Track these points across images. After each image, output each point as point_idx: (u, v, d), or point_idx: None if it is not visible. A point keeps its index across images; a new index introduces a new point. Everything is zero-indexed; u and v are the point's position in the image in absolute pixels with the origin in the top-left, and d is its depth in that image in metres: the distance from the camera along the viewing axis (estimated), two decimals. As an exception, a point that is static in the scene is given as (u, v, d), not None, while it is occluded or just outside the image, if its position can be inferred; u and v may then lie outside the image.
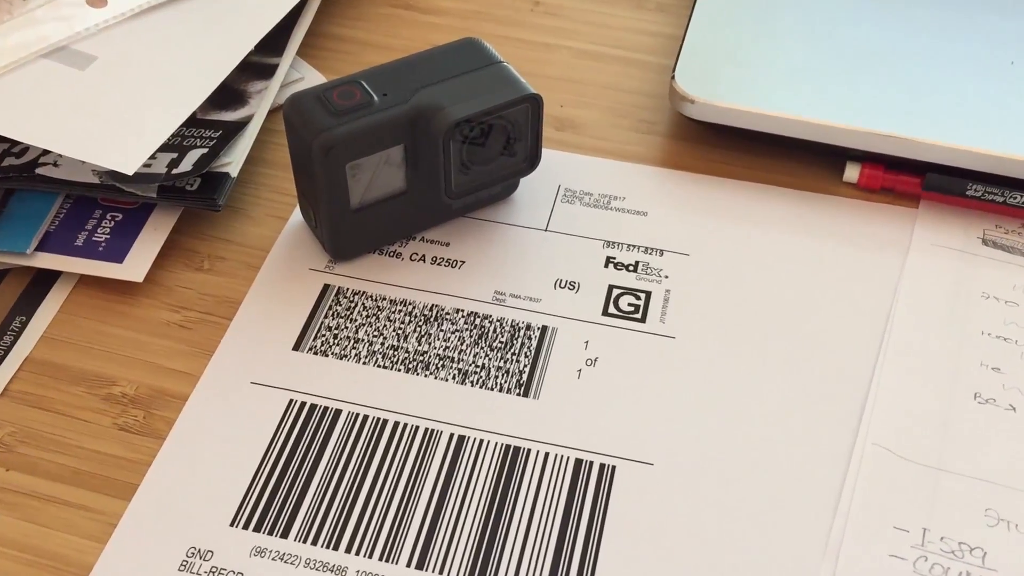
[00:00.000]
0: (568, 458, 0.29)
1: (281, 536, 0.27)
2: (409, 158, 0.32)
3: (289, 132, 0.31)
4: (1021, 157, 0.34)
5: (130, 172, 0.30)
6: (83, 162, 0.33)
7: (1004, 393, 0.30)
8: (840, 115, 0.35)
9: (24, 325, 0.31)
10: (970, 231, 0.34)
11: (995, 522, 0.27)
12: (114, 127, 0.32)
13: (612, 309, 0.32)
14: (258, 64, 0.38)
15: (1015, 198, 0.34)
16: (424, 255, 0.34)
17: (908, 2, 0.39)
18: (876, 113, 0.35)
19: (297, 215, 0.35)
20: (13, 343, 0.31)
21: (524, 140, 0.33)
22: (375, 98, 0.31)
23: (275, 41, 0.38)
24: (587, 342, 0.31)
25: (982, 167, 0.34)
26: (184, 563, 0.26)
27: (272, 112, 0.38)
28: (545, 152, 0.37)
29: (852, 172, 0.36)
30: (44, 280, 0.33)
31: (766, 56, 0.37)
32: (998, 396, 0.30)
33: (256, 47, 0.38)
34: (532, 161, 0.33)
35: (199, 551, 0.26)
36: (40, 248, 0.33)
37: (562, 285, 0.33)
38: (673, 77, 0.36)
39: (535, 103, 0.32)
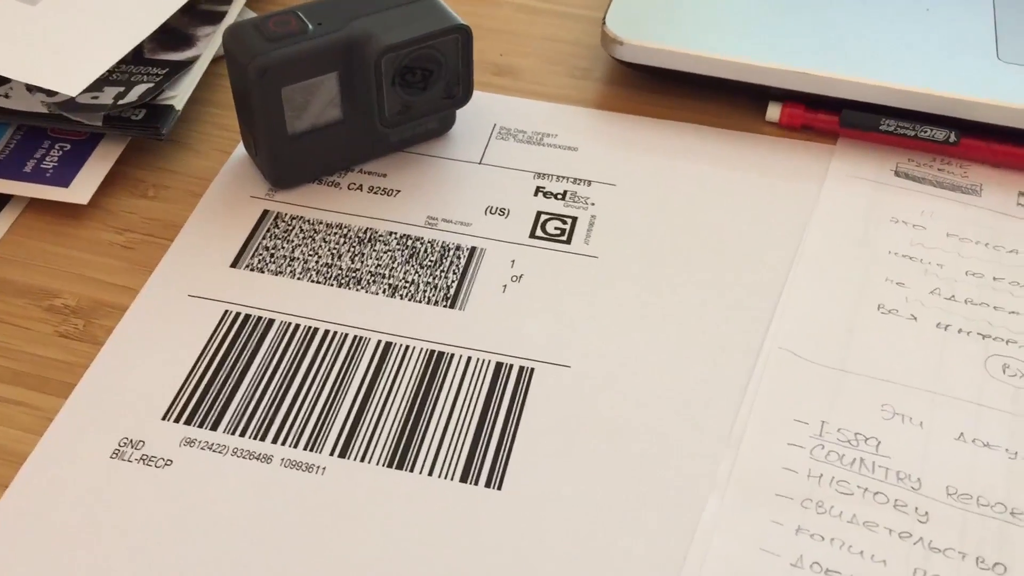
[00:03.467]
0: (489, 362, 0.30)
1: (211, 429, 0.28)
2: (344, 87, 0.33)
3: (228, 60, 0.32)
4: (931, 92, 0.35)
5: (74, 93, 0.32)
6: (33, 92, 0.35)
7: (907, 305, 0.31)
8: (762, 55, 0.37)
9: (-28, 245, 0.33)
10: (884, 164, 0.36)
11: (890, 415, 0.29)
12: (61, 55, 0.33)
13: (539, 232, 0.34)
14: (208, 11, 0.39)
15: (925, 132, 0.36)
16: (361, 184, 0.35)
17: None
18: (796, 53, 0.37)
19: (241, 150, 0.36)
20: (-39, 260, 0.32)
21: (455, 72, 0.34)
22: (310, 26, 0.32)
23: (225, -9, 0.40)
24: (513, 261, 0.33)
25: (895, 102, 0.36)
26: (116, 451, 0.27)
27: (219, 59, 0.39)
28: (482, 95, 0.39)
29: (774, 111, 0.38)
30: (-7, 205, 0.34)
31: (693, 2, 0.39)
32: (900, 307, 0.31)
33: (205, -6, 0.39)
34: (464, 94, 0.35)
35: (131, 441, 0.28)
36: (-10, 174, 0.34)
37: (492, 211, 0.34)
38: (604, 22, 0.38)
39: (464, 34, 0.33)
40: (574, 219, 0.34)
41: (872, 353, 0.30)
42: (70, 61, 0.33)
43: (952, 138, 0.36)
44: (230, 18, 0.39)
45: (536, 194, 0.35)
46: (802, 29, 0.38)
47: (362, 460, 0.28)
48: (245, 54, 0.31)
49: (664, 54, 0.37)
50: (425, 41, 0.33)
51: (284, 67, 0.32)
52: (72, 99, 0.34)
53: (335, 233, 0.33)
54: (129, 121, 0.34)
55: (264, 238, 0.33)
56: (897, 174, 0.36)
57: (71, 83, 0.32)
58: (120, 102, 0.34)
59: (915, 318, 0.31)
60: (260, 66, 0.31)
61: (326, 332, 0.31)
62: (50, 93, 0.35)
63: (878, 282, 0.32)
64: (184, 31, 0.38)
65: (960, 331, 0.31)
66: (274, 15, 0.32)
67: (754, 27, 0.38)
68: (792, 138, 0.37)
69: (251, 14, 0.41)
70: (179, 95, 0.35)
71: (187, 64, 0.37)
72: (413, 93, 0.34)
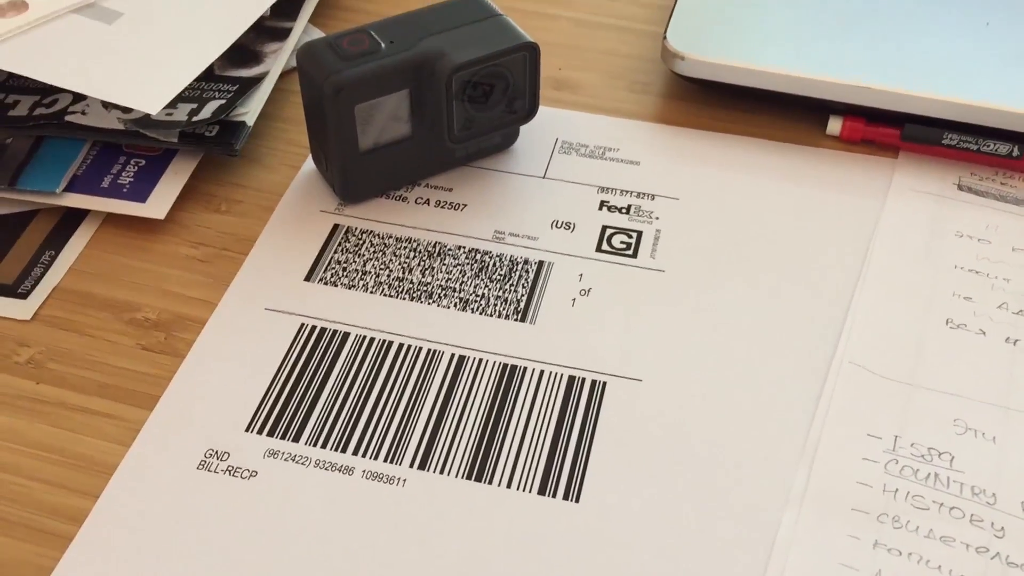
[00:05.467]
0: (561, 375, 0.30)
1: (293, 440, 0.29)
2: (414, 104, 0.34)
3: (302, 77, 0.33)
4: (994, 106, 0.35)
5: (154, 112, 0.33)
6: (109, 109, 0.36)
7: (975, 319, 0.32)
8: (822, 69, 0.37)
9: (53, 259, 0.33)
10: (946, 178, 0.36)
11: (963, 431, 0.29)
12: (139, 73, 0.34)
13: (605, 246, 0.34)
14: (273, 27, 0.40)
15: (988, 146, 0.36)
16: (428, 199, 0.36)
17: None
18: (857, 67, 0.37)
19: (310, 164, 0.37)
20: (43, 274, 0.33)
21: (522, 88, 0.35)
22: (382, 45, 0.33)
23: (290, 7, 0.41)
24: (581, 275, 0.33)
25: (957, 117, 0.36)
26: (202, 462, 0.28)
27: (285, 74, 0.40)
28: (544, 109, 0.39)
29: (835, 125, 0.38)
30: (72, 219, 0.35)
31: (753, 15, 0.39)
32: (969, 322, 0.32)
33: (271, 11, 0.40)
34: (530, 109, 0.35)
35: (216, 452, 0.28)
36: (68, 189, 0.35)
37: (558, 225, 0.35)
38: (665, 37, 0.38)
39: (532, 51, 0.34)
40: (639, 233, 0.35)
41: (942, 368, 0.30)
42: (148, 79, 0.34)
43: (1015, 152, 0.36)
44: (295, 34, 0.40)
45: (600, 208, 0.35)
46: (862, 43, 0.38)
47: (441, 472, 0.28)
48: (320, 73, 0.32)
49: (725, 69, 0.37)
50: (495, 59, 0.33)
51: (358, 85, 0.32)
52: (148, 116, 0.35)
53: (404, 247, 0.34)
54: (203, 137, 0.35)
55: (336, 252, 0.34)
56: (960, 188, 0.36)
57: (150, 101, 0.33)
58: (194, 119, 0.35)
59: (984, 332, 0.31)
60: (335, 84, 0.32)
61: (400, 345, 0.31)
62: (126, 110, 0.36)
63: (945, 296, 0.32)
64: (251, 48, 0.39)
65: (1029, 346, 0.31)
66: (348, 34, 0.33)
67: (814, 41, 0.38)
68: (853, 152, 0.37)
69: (316, 30, 0.42)
70: (250, 111, 0.36)
71: (256, 80, 0.37)
72: (479, 108, 0.34)
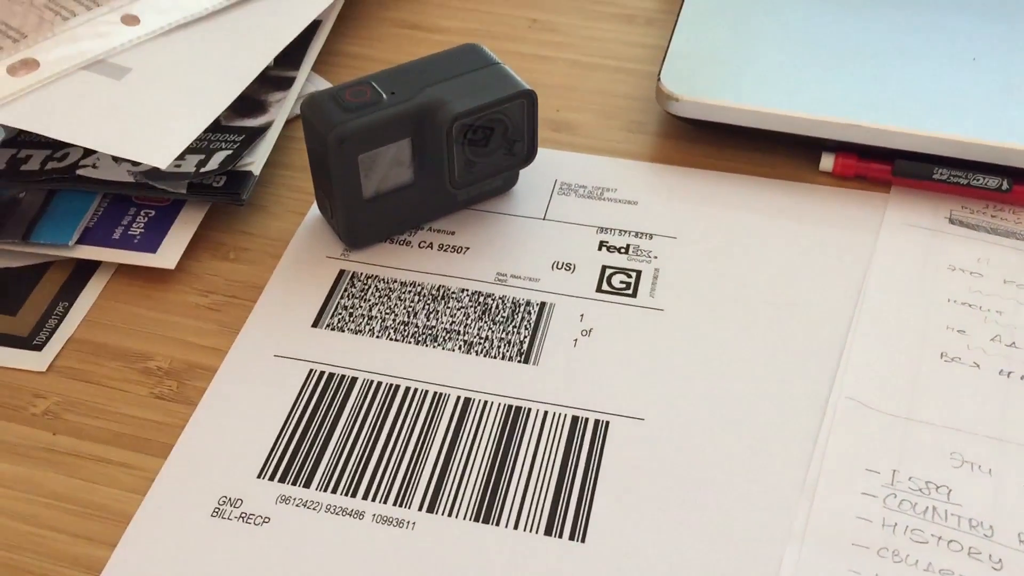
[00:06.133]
0: (565, 416, 0.31)
1: (304, 486, 0.29)
2: (416, 151, 0.35)
3: (306, 128, 0.34)
4: (983, 141, 0.36)
5: (164, 166, 0.34)
6: (119, 163, 0.36)
7: (969, 352, 0.32)
8: (814, 107, 0.38)
9: (67, 310, 0.34)
10: (938, 212, 0.37)
11: (960, 463, 0.29)
12: (148, 127, 0.35)
13: (605, 286, 0.35)
14: (277, 77, 0.41)
15: (978, 180, 0.37)
16: (432, 243, 0.37)
17: (878, 3, 0.42)
18: (848, 105, 0.38)
19: (315, 210, 0.38)
20: (57, 325, 0.34)
21: (521, 133, 0.35)
22: (384, 96, 0.34)
23: (293, 57, 0.42)
24: (582, 315, 0.34)
25: (947, 152, 0.37)
26: (216, 510, 0.29)
27: (289, 122, 0.41)
28: (542, 151, 0.40)
29: (827, 161, 0.39)
30: (84, 271, 0.36)
31: (746, 57, 0.40)
32: (963, 355, 0.32)
33: (275, 62, 0.41)
34: (529, 153, 0.36)
35: (230, 499, 0.29)
36: (80, 242, 0.36)
37: (559, 266, 0.36)
38: (659, 78, 0.39)
39: (530, 98, 0.35)
40: (638, 272, 0.35)
41: (938, 401, 0.31)
42: (157, 133, 0.35)
43: (1004, 185, 0.37)
44: (299, 83, 0.41)
45: (600, 248, 0.36)
46: (852, 81, 0.39)
47: (449, 515, 0.29)
48: (324, 124, 0.33)
49: (719, 109, 0.38)
50: (493, 107, 0.34)
51: (361, 136, 0.33)
52: (157, 168, 0.36)
53: (409, 291, 0.35)
54: (211, 188, 0.36)
55: (342, 297, 0.35)
56: (952, 221, 0.37)
57: (160, 155, 0.34)
58: (202, 170, 0.36)
59: (978, 365, 0.32)
60: (339, 136, 0.33)
61: (407, 389, 0.32)
62: (136, 163, 0.37)
63: (939, 330, 0.33)
64: (256, 97, 0.40)
65: (1023, 378, 0.31)
66: (350, 85, 0.34)
67: (805, 80, 0.39)
68: (846, 188, 0.38)
69: (319, 78, 0.43)
70: (256, 160, 0.37)
71: (262, 130, 0.38)
72: (479, 153, 0.35)
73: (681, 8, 0.42)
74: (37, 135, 0.38)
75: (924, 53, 0.40)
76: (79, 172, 0.36)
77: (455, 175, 0.35)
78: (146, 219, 0.36)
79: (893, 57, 0.40)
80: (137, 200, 0.37)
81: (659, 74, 0.39)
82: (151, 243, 0.36)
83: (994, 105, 0.38)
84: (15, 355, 0.33)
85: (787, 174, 0.39)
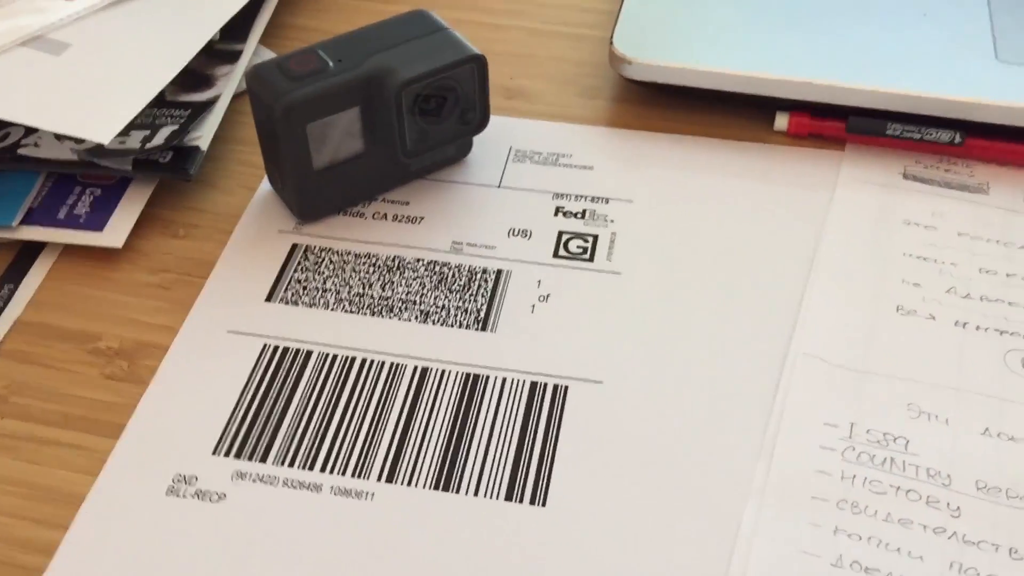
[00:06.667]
0: (524, 382, 0.31)
1: (260, 460, 0.29)
2: (366, 120, 0.34)
3: (252, 99, 0.33)
4: (934, 95, 0.36)
5: (106, 141, 0.33)
6: (62, 140, 0.36)
7: (924, 305, 0.32)
8: (767, 67, 0.38)
9: (12, 292, 0.33)
10: (892, 168, 0.37)
11: (917, 414, 0.29)
12: (89, 103, 0.34)
13: (562, 252, 0.35)
14: (223, 51, 0.40)
15: (931, 134, 0.37)
16: (386, 213, 0.36)
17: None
18: (800, 63, 0.38)
19: (266, 184, 0.37)
20: (3, 308, 0.33)
21: (472, 100, 0.35)
22: (330, 64, 0.33)
23: (239, 30, 0.41)
24: (539, 281, 0.34)
25: (900, 107, 0.37)
26: (171, 488, 0.28)
27: (238, 96, 0.40)
28: (496, 119, 0.40)
29: (781, 121, 0.38)
30: (30, 252, 0.35)
31: (698, 18, 0.40)
32: (919, 308, 0.32)
33: (221, 35, 0.40)
34: (482, 120, 0.36)
35: (184, 477, 0.29)
36: (24, 222, 0.35)
37: (515, 233, 0.35)
38: (612, 41, 0.39)
39: (480, 63, 0.34)
40: (595, 237, 0.35)
41: (894, 354, 0.31)
42: (99, 109, 0.34)
43: (957, 139, 0.37)
44: (246, 57, 0.40)
45: (556, 214, 0.36)
46: (804, 40, 0.39)
47: (409, 484, 0.28)
48: (270, 94, 0.32)
49: (672, 71, 0.38)
50: (442, 72, 0.34)
51: (308, 105, 0.32)
52: (101, 145, 0.35)
53: (364, 262, 0.34)
54: (157, 164, 0.35)
55: (295, 271, 0.34)
56: (906, 177, 0.37)
57: (102, 131, 0.33)
58: (148, 146, 0.35)
59: (933, 317, 0.32)
60: (285, 105, 0.32)
61: (364, 360, 0.31)
62: (79, 141, 0.36)
63: (895, 284, 0.33)
64: (202, 72, 0.39)
65: (978, 328, 0.32)
66: (295, 54, 0.33)
67: (757, 40, 0.39)
68: (801, 146, 0.38)
69: (267, 52, 0.42)
70: (203, 135, 0.36)
71: (209, 104, 0.38)
72: (431, 121, 0.35)
73: (632, -29, 0.42)
74: (-24, 115, 0.37)
75: (875, 9, 0.40)
76: (20, 151, 0.36)
77: (407, 143, 0.34)
78: (92, 198, 0.36)
79: (844, 14, 0.40)
80: (82, 178, 0.36)
81: (611, 37, 0.39)
82: (97, 222, 0.35)
83: (945, 59, 0.38)
84: (-40, 340, 0.32)
85: (742, 135, 0.39)
